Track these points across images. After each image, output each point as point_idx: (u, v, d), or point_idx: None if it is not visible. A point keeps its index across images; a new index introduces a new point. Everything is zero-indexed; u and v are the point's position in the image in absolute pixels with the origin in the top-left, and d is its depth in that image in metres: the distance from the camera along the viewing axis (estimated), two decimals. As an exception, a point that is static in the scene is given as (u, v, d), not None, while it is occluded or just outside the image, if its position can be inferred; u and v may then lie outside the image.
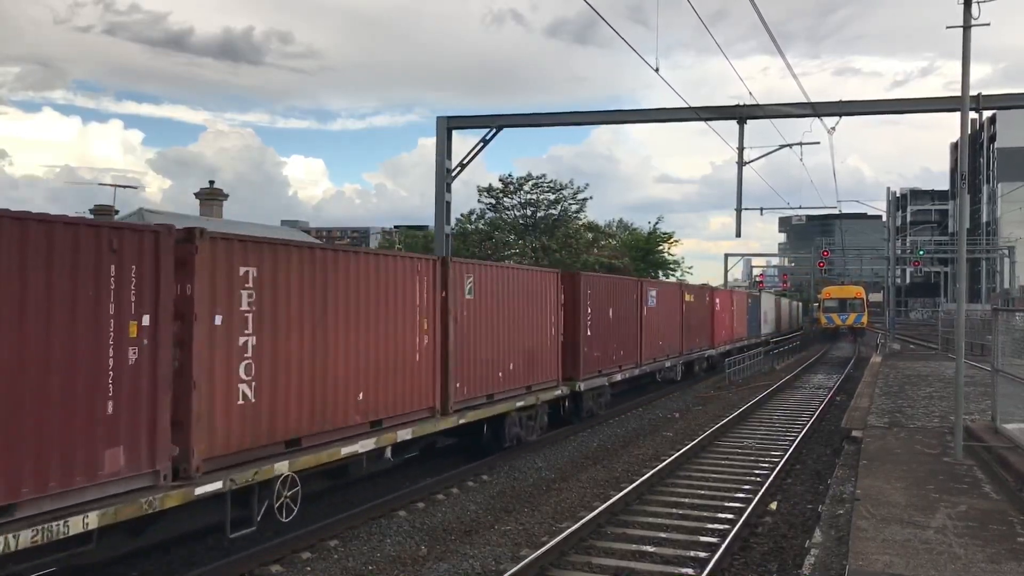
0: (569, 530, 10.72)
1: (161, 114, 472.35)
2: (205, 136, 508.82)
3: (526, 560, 9.50)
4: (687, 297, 30.87)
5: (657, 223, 62.28)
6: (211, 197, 37.64)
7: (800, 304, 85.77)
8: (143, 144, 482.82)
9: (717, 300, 36.06)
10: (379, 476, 13.59)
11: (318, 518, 11.29)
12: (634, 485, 13.28)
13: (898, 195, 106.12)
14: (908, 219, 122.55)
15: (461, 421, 13.98)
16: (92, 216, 37.27)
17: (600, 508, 11.88)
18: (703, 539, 10.89)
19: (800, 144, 28.94)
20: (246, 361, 9.50)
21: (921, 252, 76.71)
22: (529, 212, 52.47)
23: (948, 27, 13.46)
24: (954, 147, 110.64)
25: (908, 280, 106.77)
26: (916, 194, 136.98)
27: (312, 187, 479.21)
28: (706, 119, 26.62)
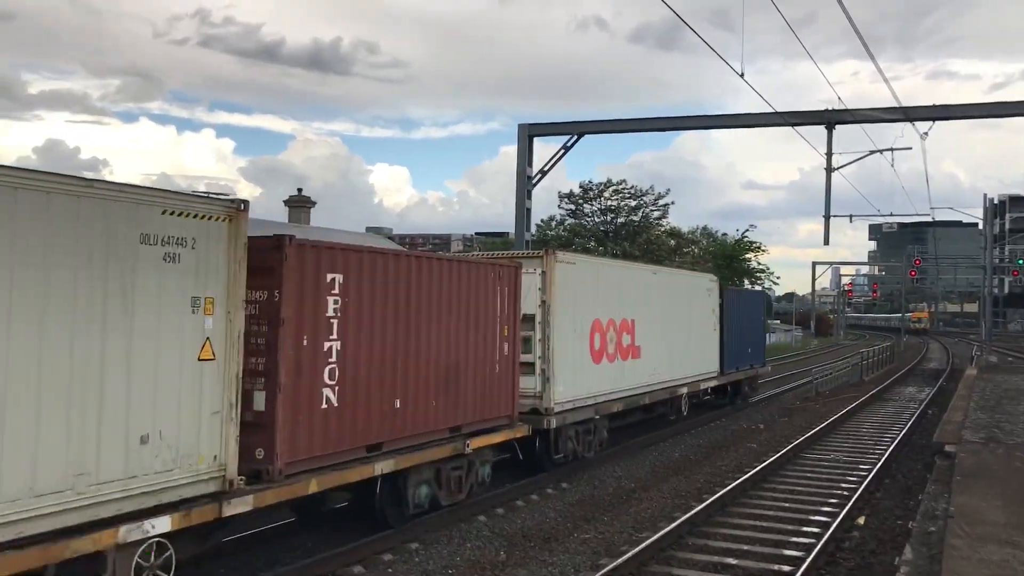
0: (649, 540, 10.62)
1: (252, 124, 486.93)
2: (294, 145, 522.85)
3: (605, 569, 9.45)
4: None
5: (747, 231, 60.89)
6: (299, 204, 38.46)
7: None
8: (234, 153, 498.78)
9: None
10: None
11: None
12: (716, 496, 13.08)
13: (996, 201, 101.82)
14: (1007, 227, 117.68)
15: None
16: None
17: (681, 519, 11.73)
18: (787, 552, 10.66)
19: (891, 150, 28.22)
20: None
21: (1020, 261, 73.43)
22: (609, 218, 52.29)
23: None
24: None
25: (1007, 290, 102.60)
26: (1016, 200, 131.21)
27: (396, 194, 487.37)
28: (793, 124, 26.13)
